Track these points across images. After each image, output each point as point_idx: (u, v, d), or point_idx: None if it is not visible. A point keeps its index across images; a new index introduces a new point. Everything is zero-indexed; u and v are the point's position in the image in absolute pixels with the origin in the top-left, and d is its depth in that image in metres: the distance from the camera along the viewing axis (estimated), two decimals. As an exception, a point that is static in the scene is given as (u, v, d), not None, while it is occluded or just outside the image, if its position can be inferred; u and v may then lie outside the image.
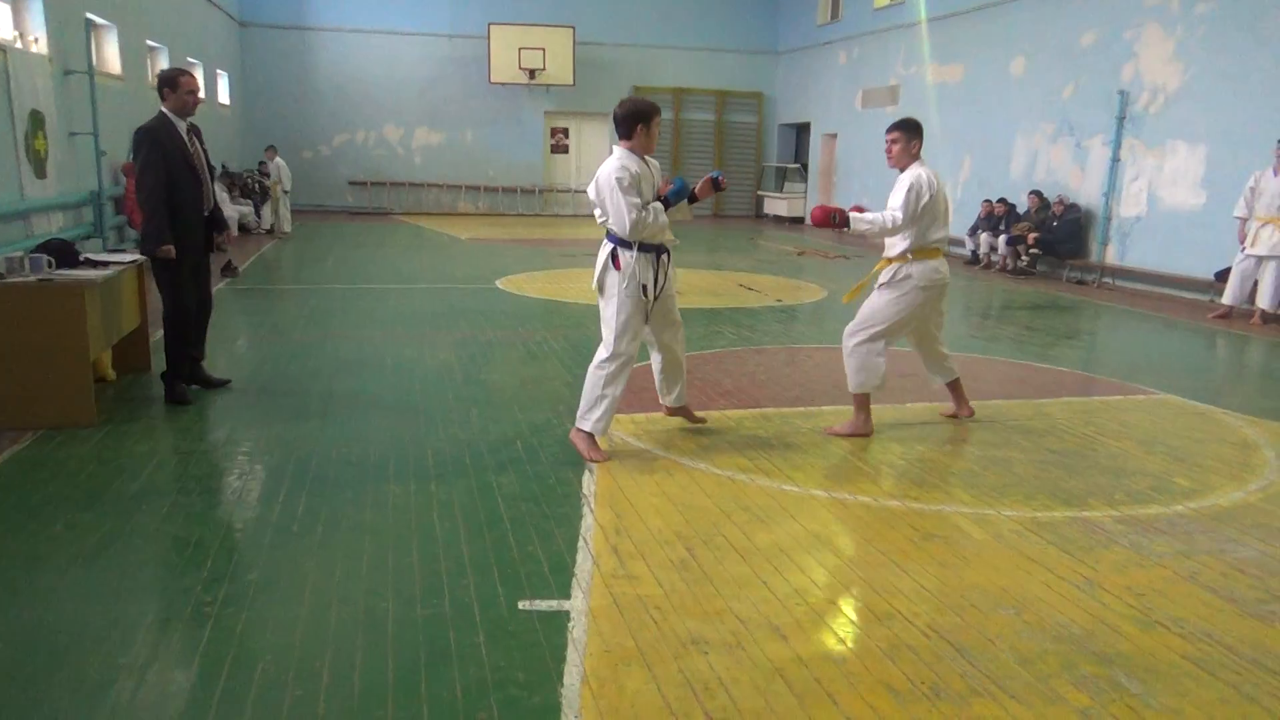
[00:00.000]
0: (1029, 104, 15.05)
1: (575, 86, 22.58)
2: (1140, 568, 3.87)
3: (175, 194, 5.73)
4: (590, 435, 5.08)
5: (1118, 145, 13.16)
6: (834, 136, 21.83)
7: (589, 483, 4.66)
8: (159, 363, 6.31)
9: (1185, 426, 6.00)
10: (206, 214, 6.03)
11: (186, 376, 6.07)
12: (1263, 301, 10.27)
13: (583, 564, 3.73)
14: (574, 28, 22.09)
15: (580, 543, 3.94)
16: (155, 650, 3.02)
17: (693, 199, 5.16)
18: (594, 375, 5.05)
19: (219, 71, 19.11)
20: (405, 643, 3.09)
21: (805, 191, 23.27)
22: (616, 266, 4.98)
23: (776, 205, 23.87)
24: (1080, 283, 13.57)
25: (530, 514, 4.24)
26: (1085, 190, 13.86)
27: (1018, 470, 5.09)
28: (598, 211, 5.04)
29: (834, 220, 5.48)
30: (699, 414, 5.77)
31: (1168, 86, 12.38)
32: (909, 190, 5.32)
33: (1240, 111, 11.26)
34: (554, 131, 23.85)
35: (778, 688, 2.89)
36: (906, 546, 4.02)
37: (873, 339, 5.55)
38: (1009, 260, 14.41)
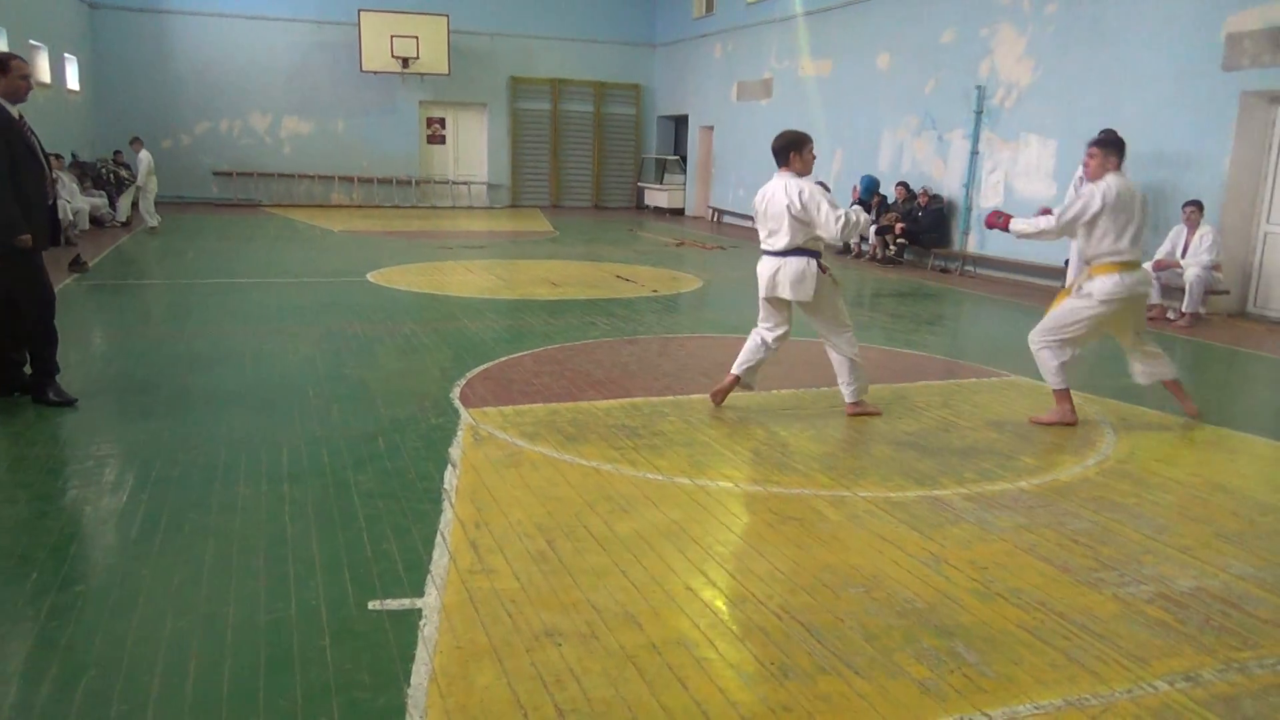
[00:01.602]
0: (894, 98, 15.53)
1: (451, 76, 22.17)
2: (984, 542, 4.03)
3: (21, 184, 5.40)
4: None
5: (976, 139, 13.71)
6: (711, 129, 22.08)
7: (451, 477, 4.58)
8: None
9: (1033, 407, 6.28)
10: (51, 203, 5.71)
11: (15, 384, 5.70)
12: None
13: (439, 560, 3.66)
14: (448, 16, 21.67)
15: (438, 539, 3.86)
16: (-35, 671, 2.82)
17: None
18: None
19: (67, 55, 18.02)
20: (244, 650, 2.96)
21: (685, 183, 23.48)
22: (824, 271, 5.73)
23: (657, 197, 24.01)
24: (944, 271, 14.09)
25: (387, 511, 4.13)
26: (947, 182, 14.40)
27: (875, 453, 5.23)
28: (772, 237, 5.73)
29: (1000, 222, 5.74)
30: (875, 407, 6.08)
31: (1020, 83, 12.96)
32: (1078, 198, 5.51)
33: (1084, 107, 11.87)
34: (430, 122, 23.39)
35: (629, 675, 2.89)
36: (764, 530, 4.08)
37: (1046, 345, 5.77)
38: (878, 250, 14.85)
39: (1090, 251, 5.59)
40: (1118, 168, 5.56)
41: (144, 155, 15.87)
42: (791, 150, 5.73)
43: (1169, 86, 10.75)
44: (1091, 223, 5.48)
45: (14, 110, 5.48)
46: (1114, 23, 11.47)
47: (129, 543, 3.74)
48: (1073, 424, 5.80)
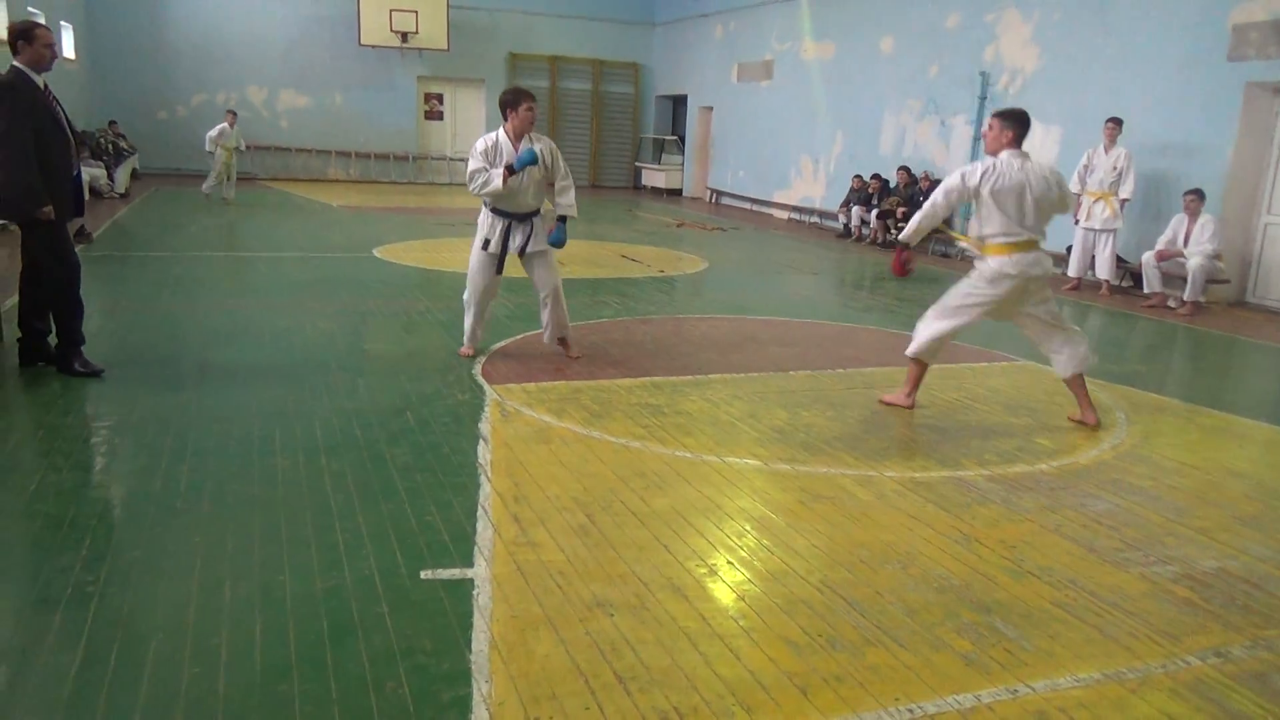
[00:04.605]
0: (897, 82, 15.56)
1: (450, 52, 22.03)
2: (1011, 522, 4.12)
3: (45, 153, 5.40)
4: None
5: (979, 124, 13.77)
6: (710, 109, 22.06)
7: (484, 453, 4.64)
8: (10, 332, 5.92)
9: (1045, 391, 6.39)
10: (75, 173, 5.73)
11: (40, 353, 5.73)
12: (1101, 273, 11.03)
13: (483, 532, 3.73)
14: (448, -10, 21.52)
15: (479, 511, 3.93)
16: (35, 633, 2.87)
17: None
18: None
19: (63, 24, 17.81)
20: (306, 617, 3.03)
21: (683, 163, 23.47)
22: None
23: (654, 177, 23.99)
24: (945, 255, 14.18)
25: (426, 484, 4.20)
26: (950, 167, 14.44)
27: (896, 434, 5.32)
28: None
29: (901, 258, 5.76)
30: (574, 353, 6.63)
31: (1025, 69, 13.02)
32: (955, 173, 5.39)
33: (1089, 95, 11.95)
34: (428, 97, 23.25)
35: (683, 645, 2.97)
36: (796, 507, 4.17)
37: (936, 316, 5.61)
38: (879, 234, 14.93)
39: (980, 230, 5.40)
40: (1014, 144, 5.31)
41: (229, 128, 16.02)
42: (507, 108, 6.04)
43: (1174, 76, 10.83)
44: (976, 201, 5.30)
45: (39, 79, 5.48)
46: (1121, 11, 11.53)
47: (177, 511, 3.79)
48: (908, 407, 5.73)
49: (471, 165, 6.06)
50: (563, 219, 6.26)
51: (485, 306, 6.53)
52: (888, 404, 5.82)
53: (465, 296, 6.49)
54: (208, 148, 16.08)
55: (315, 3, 21.53)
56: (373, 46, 21.47)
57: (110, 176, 16.36)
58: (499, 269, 6.39)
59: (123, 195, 16.35)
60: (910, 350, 5.71)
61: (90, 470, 4.24)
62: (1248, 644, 3.18)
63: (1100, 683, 2.90)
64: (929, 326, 5.64)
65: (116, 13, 20.19)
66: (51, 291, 5.62)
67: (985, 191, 5.26)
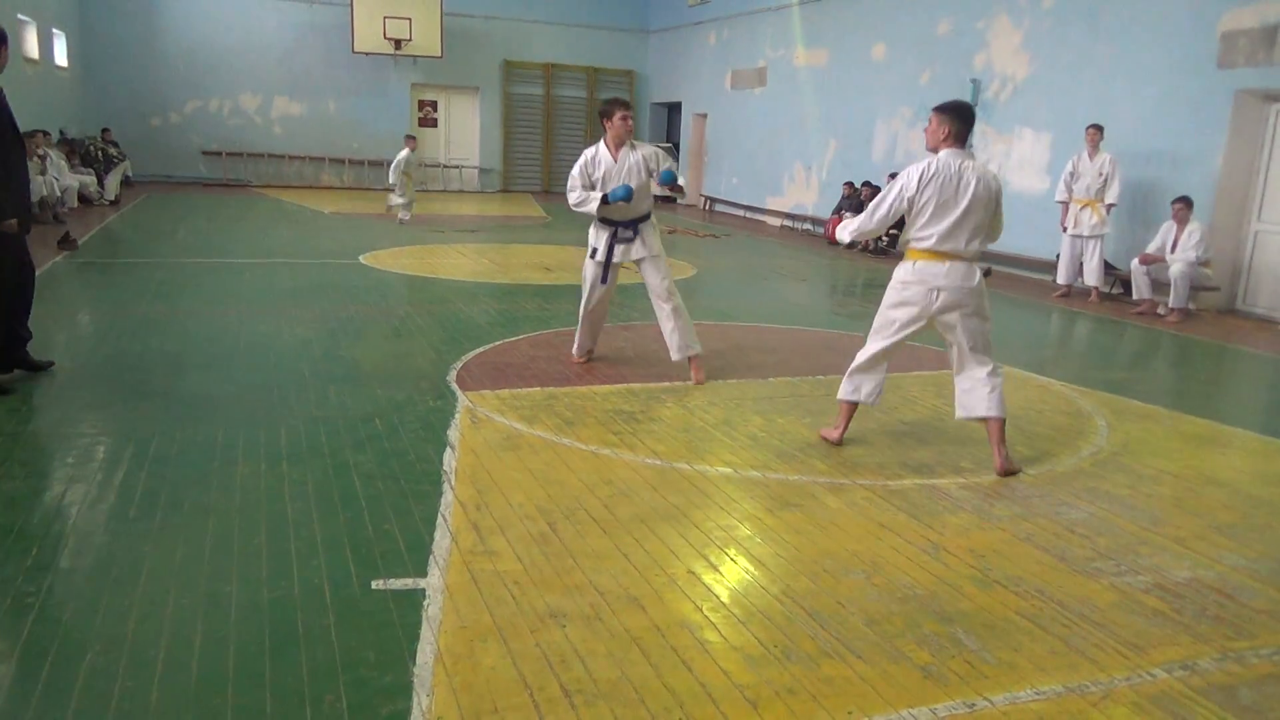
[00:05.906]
0: (889, 89, 15.52)
1: (443, 59, 21.99)
2: (981, 530, 4.05)
3: (4, 160, 5.33)
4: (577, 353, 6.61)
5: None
6: (704, 116, 22.03)
7: (450, 460, 4.57)
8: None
9: (1027, 398, 6.32)
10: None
11: (21, 362, 5.66)
12: (1090, 280, 10.96)
13: (440, 541, 3.66)
14: (442, -3, 21.51)
15: (439, 520, 3.86)
16: (-32, 645, 2.80)
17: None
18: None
19: (55, 31, 17.79)
20: (249, 627, 2.96)
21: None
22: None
23: (648, 184, 23.94)
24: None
25: (388, 492, 4.13)
26: (941, 174, 14.40)
27: (872, 441, 5.25)
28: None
29: (828, 232, 5.35)
30: (700, 377, 6.28)
31: (1016, 76, 12.97)
32: (891, 184, 4.76)
33: (1080, 101, 11.89)
34: (421, 104, 23.22)
35: (634, 657, 2.90)
36: (764, 516, 4.10)
37: (867, 342, 5.02)
38: (870, 241, 14.86)
39: (905, 235, 4.82)
40: (954, 142, 4.68)
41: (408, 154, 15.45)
42: (604, 119, 6.15)
43: (1164, 83, 10.79)
44: (910, 204, 4.67)
45: (-1, 83, 5.43)
46: (1111, 18, 11.49)
47: (129, 520, 3.72)
48: (834, 442, 5.06)
49: (570, 181, 6.25)
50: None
51: (596, 317, 6.52)
52: (823, 438, 5.16)
53: (580, 310, 6.50)
54: (392, 179, 15.49)
55: (309, 10, 21.52)
56: (366, 54, 21.44)
57: (100, 183, 16.32)
58: (604, 278, 6.32)
59: (113, 202, 16.28)
60: (839, 394, 5.08)
61: (46, 478, 4.17)
62: (1216, 656, 3.11)
63: (1062, 696, 2.83)
64: (854, 364, 5.06)
65: (110, 19, 20.16)
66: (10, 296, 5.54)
67: (919, 195, 4.65)
